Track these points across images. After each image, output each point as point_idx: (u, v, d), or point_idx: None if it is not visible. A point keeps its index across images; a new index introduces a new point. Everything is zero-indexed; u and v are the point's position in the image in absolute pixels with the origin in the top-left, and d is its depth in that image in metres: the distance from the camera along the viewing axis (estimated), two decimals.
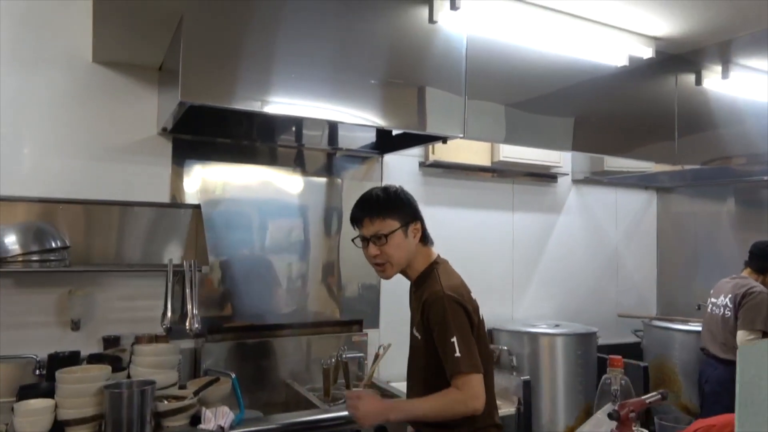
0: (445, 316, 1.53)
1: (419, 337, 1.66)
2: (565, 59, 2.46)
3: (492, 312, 3.17)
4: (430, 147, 2.98)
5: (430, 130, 2.21)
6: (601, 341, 3.01)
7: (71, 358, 2.05)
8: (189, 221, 2.40)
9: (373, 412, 1.57)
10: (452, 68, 2.19)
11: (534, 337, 2.74)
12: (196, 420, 1.89)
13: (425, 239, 1.73)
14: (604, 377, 1.41)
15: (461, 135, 2.27)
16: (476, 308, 1.65)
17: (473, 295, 1.68)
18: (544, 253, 3.42)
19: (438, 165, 3.01)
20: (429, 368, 1.62)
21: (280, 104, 1.90)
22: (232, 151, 2.55)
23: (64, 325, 2.20)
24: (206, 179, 2.50)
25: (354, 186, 2.82)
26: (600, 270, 3.64)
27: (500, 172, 3.22)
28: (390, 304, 2.83)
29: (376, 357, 2.08)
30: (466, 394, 1.49)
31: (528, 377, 2.50)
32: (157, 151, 2.39)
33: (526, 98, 2.47)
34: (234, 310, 2.52)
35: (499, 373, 2.62)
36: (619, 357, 1.41)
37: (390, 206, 1.67)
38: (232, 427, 1.88)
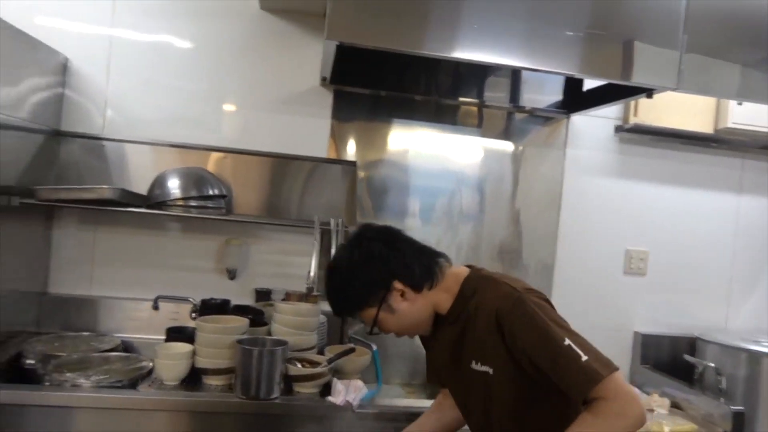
0: (541, 321, 1.16)
1: (490, 370, 1.26)
2: None
3: (698, 316, 2.56)
4: (632, 107, 2.44)
5: (630, 78, 1.75)
6: None
7: (222, 306, 2.05)
8: (345, 179, 2.27)
9: None
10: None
11: (755, 356, 2.10)
12: (327, 389, 1.76)
13: (423, 284, 1.31)
14: None
15: (673, 87, 1.76)
16: None
17: None
18: None
19: (640, 130, 2.45)
20: (520, 400, 1.25)
21: (449, 47, 1.63)
22: (396, 106, 2.34)
23: (221, 273, 2.22)
24: (366, 135, 2.33)
25: (534, 152, 2.45)
26: None
27: (726, 142, 2.53)
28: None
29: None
30: (622, 401, 1.10)
31: (742, 408, 1.91)
32: (317, 103, 2.28)
33: None
34: None
35: (701, 395, 2.07)
36: None
37: (350, 302, 1.34)
38: (362, 405, 1.70)
